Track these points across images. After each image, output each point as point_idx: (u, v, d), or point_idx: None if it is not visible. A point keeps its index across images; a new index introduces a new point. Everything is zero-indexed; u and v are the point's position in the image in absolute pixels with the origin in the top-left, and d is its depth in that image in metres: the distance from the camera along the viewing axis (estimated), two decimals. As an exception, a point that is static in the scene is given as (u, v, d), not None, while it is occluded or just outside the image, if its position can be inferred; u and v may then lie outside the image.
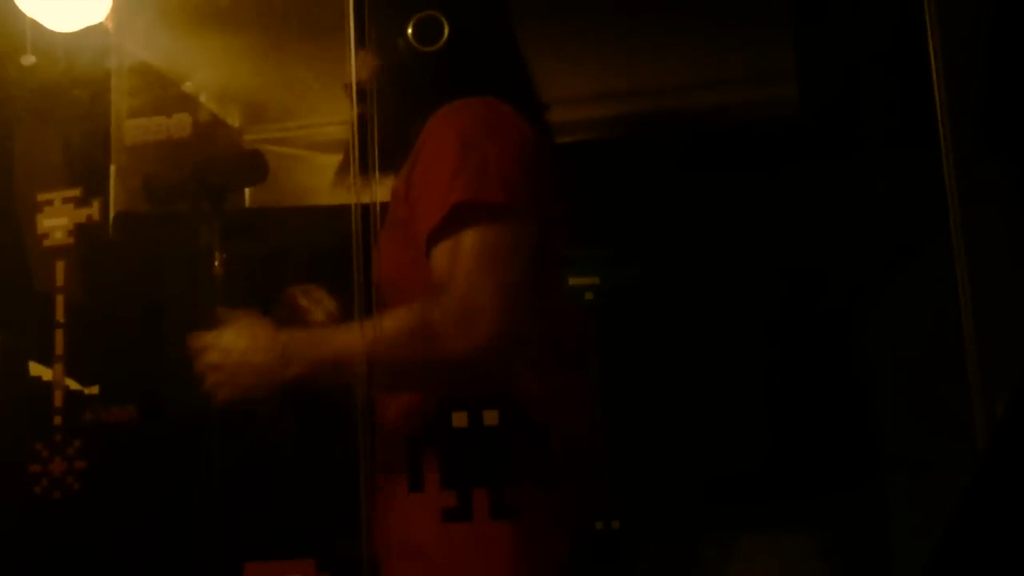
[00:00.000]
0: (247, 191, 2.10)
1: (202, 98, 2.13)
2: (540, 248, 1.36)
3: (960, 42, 1.70)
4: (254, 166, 1.74)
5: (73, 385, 1.64)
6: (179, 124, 1.42)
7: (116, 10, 1.83)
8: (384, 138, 1.48)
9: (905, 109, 1.76)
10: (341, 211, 1.50)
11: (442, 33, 1.45)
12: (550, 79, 1.59)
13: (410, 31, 1.47)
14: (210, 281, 1.80)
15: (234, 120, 2.30)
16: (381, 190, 1.51)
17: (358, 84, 1.54)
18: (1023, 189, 1.88)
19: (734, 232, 1.87)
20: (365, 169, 1.48)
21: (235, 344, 1.40)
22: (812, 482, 1.80)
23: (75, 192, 1.49)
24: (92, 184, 1.63)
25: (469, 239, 1.33)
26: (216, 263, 1.75)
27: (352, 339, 1.39)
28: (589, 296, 1.35)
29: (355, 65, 1.53)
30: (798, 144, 1.90)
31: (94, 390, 1.71)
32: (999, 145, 1.90)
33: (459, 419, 1.30)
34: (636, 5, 1.94)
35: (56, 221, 1.48)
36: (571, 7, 1.95)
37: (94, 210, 1.48)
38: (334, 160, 1.64)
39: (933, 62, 1.65)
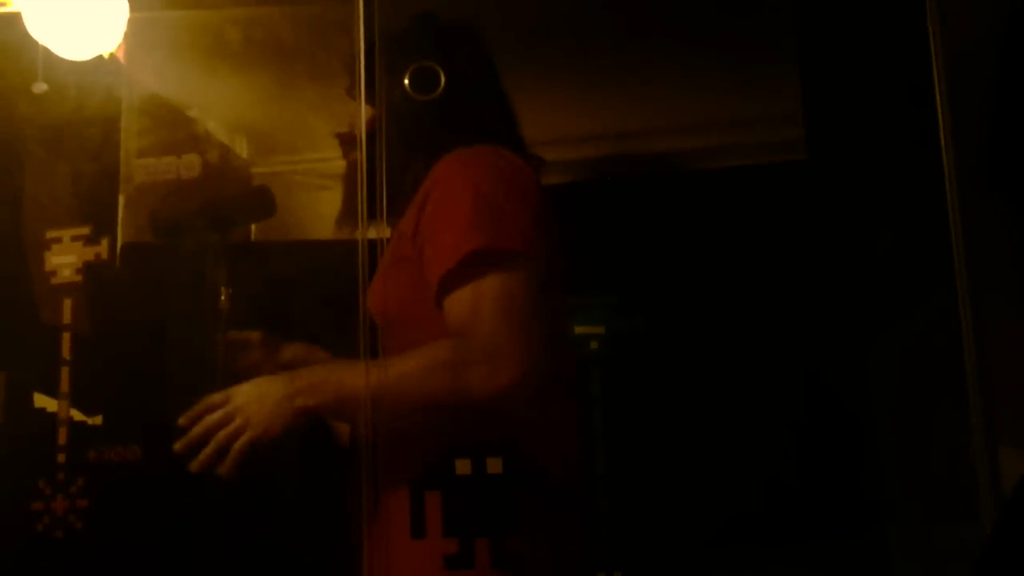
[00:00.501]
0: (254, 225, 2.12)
1: (212, 128, 2.15)
2: (548, 298, 1.37)
3: (966, 87, 1.71)
4: (262, 202, 1.75)
5: (77, 416, 1.64)
6: (188, 165, 1.43)
7: (128, 42, 1.84)
8: (383, 183, 1.50)
9: (912, 154, 1.76)
10: (346, 246, 1.51)
11: (438, 83, 1.47)
12: (555, 119, 1.60)
13: (407, 81, 1.49)
14: (216, 315, 1.81)
15: (243, 151, 2.31)
16: (383, 229, 1.53)
17: (354, 131, 1.56)
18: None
19: (739, 277, 1.87)
20: (366, 211, 1.50)
21: (246, 400, 1.40)
22: (815, 528, 1.80)
23: (84, 230, 1.49)
24: (101, 218, 1.64)
25: (488, 285, 1.33)
26: (222, 297, 1.76)
27: (360, 377, 1.39)
28: (594, 345, 1.35)
29: (358, 112, 1.55)
30: (804, 187, 1.91)
31: (98, 420, 1.72)
32: (1005, 187, 1.91)
33: (463, 466, 1.31)
34: (642, 46, 1.95)
35: (64, 259, 1.48)
36: (582, 45, 1.97)
37: (103, 248, 1.49)
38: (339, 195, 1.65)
39: (940, 106, 1.65)
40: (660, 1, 1.96)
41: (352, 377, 1.39)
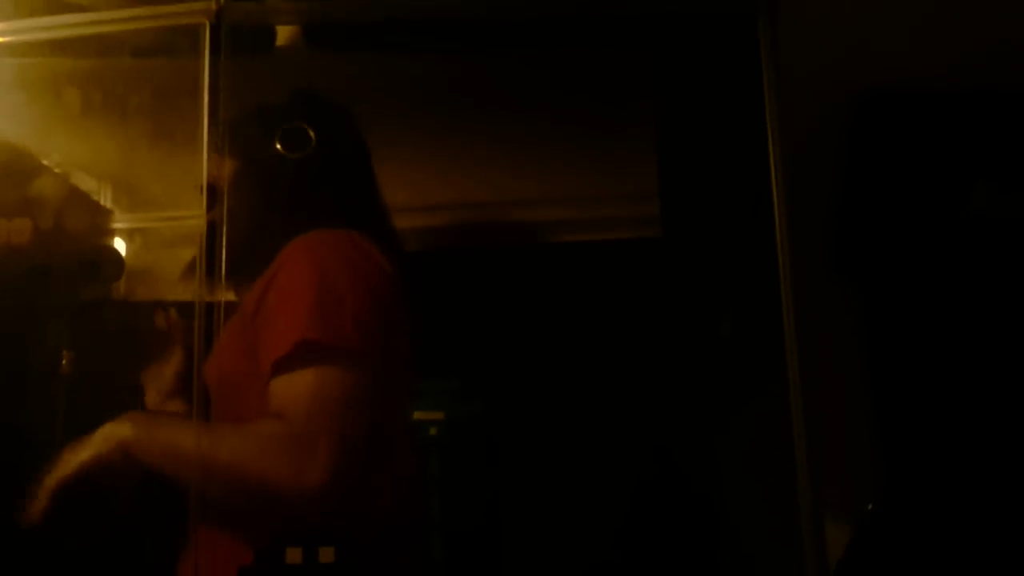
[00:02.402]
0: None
1: (77, 180, 2.10)
2: (385, 390, 1.36)
3: (809, 172, 1.77)
4: (107, 265, 1.72)
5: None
6: (18, 230, 1.40)
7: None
8: (234, 244, 1.48)
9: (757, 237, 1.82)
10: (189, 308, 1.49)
11: (309, 143, 1.47)
12: (404, 185, 1.61)
13: (277, 140, 1.49)
14: (57, 381, 1.76)
15: (107, 203, 2.26)
16: (226, 293, 1.51)
17: (212, 185, 1.54)
18: (869, 314, 1.97)
19: (586, 356, 1.89)
20: (212, 271, 1.48)
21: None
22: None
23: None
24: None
25: (312, 377, 1.32)
26: (64, 361, 1.72)
27: (189, 443, 1.36)
28: (433, 431, 1.35)
29: (210, 167, 1.54)
30: (659, 264, 1.95)
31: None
32: (848, 272, 1.99)
33: (293, 555, 1.28)
34: (502, 117, 1.98)
35: None
36: (435, 114, 1.99)
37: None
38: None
39: (775, 192, 1.67)
40: (521, 76, 2.01)
41: (180, 436, 1.38)
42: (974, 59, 1.98)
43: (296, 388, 1.32)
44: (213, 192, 1.56)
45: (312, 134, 1.52)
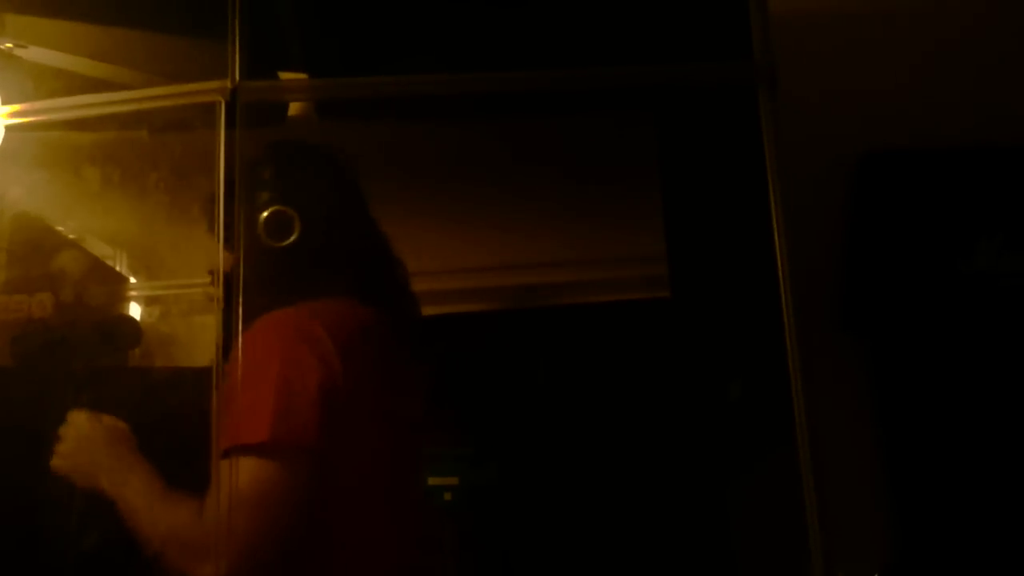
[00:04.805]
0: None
1: (89, 244, 2.15)
2: (318, 481, 1.37)
3: (813, 231, 1.79)
4: (127, 333, 1.76)
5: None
6: (40, 304, 1.44)
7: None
8: (239, 322, 1.50)
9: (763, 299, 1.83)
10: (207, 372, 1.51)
11: (292, 229, 1.49)
12: (414, 252, 1.63)
13: (262, 225, 1.51)
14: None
15: (123, 268, 2.31)
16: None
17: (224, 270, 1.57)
18: (877, 371, 1.98)
19: (598, 420, 1.89)
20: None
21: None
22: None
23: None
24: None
25: (239, 473, 1.36)
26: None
27: (141, 500, 1.44)
28: (448, 496, 1.36)
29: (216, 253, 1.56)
30: (668, 325, 1.96)
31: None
32: (855, 329, 2.00)
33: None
34: (510, 183, 2.01)
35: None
36: (443, 181, 2.02)
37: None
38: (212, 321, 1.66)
39: (779, 252, 1.68)
40: (528, 143, 2.04)
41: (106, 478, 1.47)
42: (974, 117, 2.01)
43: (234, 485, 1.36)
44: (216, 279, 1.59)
45: (295, 218, 1.52)
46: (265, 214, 1.49)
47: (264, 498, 1.34)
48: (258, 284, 1.50)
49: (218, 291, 1.52)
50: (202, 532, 1.35)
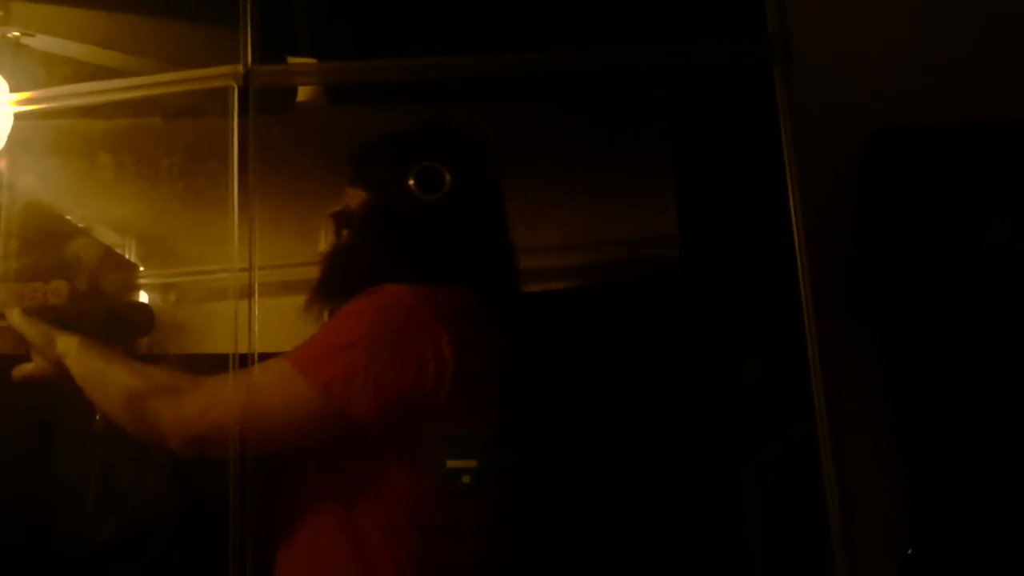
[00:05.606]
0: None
1: (99, 232, 2.14)
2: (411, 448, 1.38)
3: (828, 211, 1.78)
4: (140, 320, 1.75)
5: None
6: (56, 291, 1.44)
7: (10, 150, 1.83)
8: (337, 271, 1.55)
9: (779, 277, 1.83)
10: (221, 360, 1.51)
11: (442, 185, 1.49)
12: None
13: (412, 178, 1.52)
14: (93, 439, 1.79)
15: (132, 256, 2.31)
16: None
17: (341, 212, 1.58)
18: (892, 350, 1.97)
19: (615, 402, 1.89)
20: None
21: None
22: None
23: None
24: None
25: (262, 374, 1.40)
26: (97, 416, 1.74)
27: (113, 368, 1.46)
28: (466, 479, 1.36)
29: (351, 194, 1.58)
30: (678, 307, 1.96)
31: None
32: (869, 309, 1.99)
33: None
34: (520, 165, 2.00)
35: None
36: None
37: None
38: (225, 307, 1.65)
39: (795, 231, 1.67)
40: (539, 124, 2.04)
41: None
42: (986, 95, 2.00)
43: (255, 377, 1.40)
44: (340, 219, 1.60)
45: (447, 176, 1.53)
46: (419, 168, 1.51)
47: (280, 416, 1.38)
48: (375, 242, 1.52)
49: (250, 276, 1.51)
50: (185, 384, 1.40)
